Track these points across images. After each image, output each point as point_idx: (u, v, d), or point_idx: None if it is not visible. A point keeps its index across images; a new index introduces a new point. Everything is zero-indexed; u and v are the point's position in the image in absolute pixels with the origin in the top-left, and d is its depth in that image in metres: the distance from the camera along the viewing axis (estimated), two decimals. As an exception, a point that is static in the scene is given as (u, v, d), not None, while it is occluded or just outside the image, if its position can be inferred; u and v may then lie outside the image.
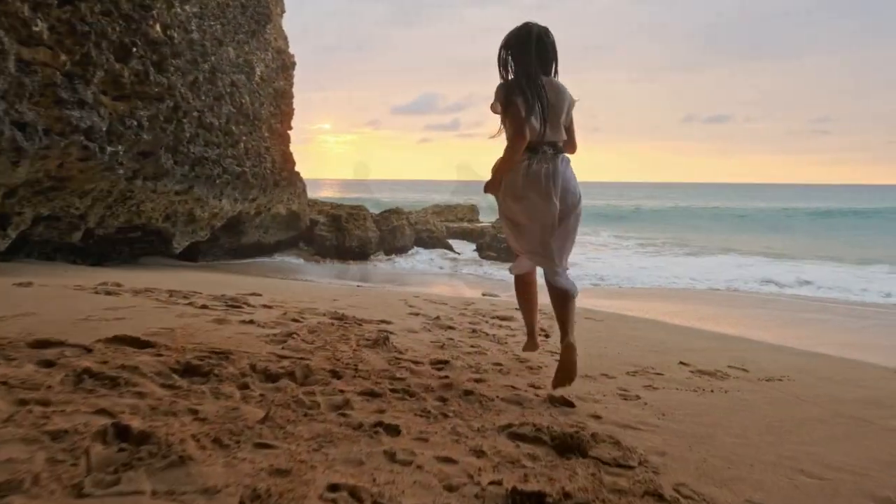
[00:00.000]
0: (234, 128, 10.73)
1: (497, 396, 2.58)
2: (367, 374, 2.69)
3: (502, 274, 12.60)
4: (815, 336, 6.11)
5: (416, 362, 3.11)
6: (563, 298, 2.82)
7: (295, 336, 3.36)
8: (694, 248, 19.58)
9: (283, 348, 3.07)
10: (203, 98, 9.46)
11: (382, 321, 4.47)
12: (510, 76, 2.83)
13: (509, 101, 2.71)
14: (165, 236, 10.33)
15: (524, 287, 3.14)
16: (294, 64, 13.97)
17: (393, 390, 2.48)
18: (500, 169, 2.83)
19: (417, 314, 5.13)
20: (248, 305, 4.60)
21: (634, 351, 4.26)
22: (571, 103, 2.90)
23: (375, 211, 16.53)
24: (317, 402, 2.19)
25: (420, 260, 14.85)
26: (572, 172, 2.88)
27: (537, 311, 3.28)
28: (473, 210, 23.44)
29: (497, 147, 2.93)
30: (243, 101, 11.09)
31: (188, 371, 2.41)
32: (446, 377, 2.84)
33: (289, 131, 13.72)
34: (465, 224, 20.61)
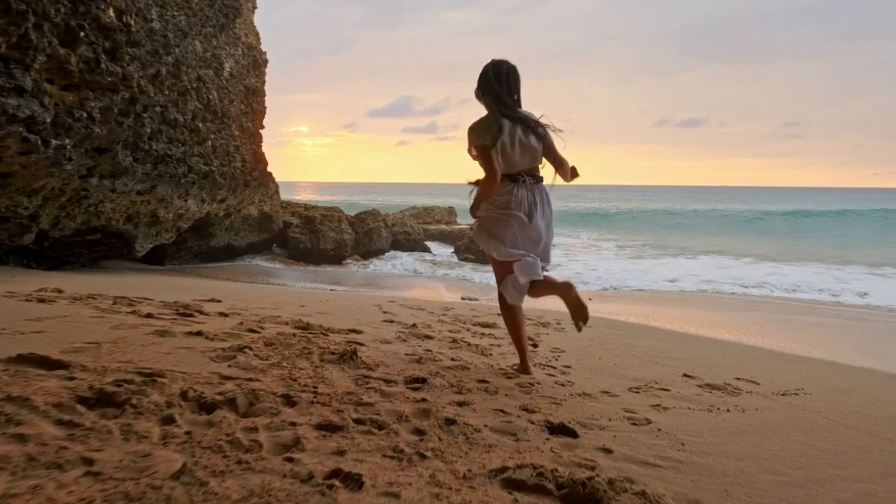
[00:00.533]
0: (200, 125, 10.14)
1: (485, 425, 2.14)
2: (327, 399, 2.23)
3: (481, 276, 12.17)
4: (814, 340, 5.79)
5: (387, 381, 2.65)
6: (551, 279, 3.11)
7: (247, 351, 2.87)
8: (674, 250, 19.43)
9: (229, 366, 2.59)
10: (167, 92, 8.87)
11: (352, 330, 4.00)
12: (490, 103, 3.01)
13: (482, 145, 2.94)
14: (127, 238, 9.70)
15: (513, 311, 3.20)
16: (266, 61, 13.38)
17: (358, 421, 2.02)
18: (479, 198, 3.09)
19: (392, 321, 4.68)
20: (201, 314, 4.09)
21: (632, 362, 3.86)
22: (538, 127, 3.01)
23: (352, 213, 16.01)
24: (258, 441, 1.72)
25: (397, 263, 14.36)
26: (548, 195, 3.15)
27: (525, 334, 3.33)
28: (451, 212, 23.03)
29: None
30: (211, 97, 10.50)
31: (101, 401, 1.92)
32: (423, 400, 2.39)
33: (261, 130, 13.12)
34: (443, 226, 20.19)
